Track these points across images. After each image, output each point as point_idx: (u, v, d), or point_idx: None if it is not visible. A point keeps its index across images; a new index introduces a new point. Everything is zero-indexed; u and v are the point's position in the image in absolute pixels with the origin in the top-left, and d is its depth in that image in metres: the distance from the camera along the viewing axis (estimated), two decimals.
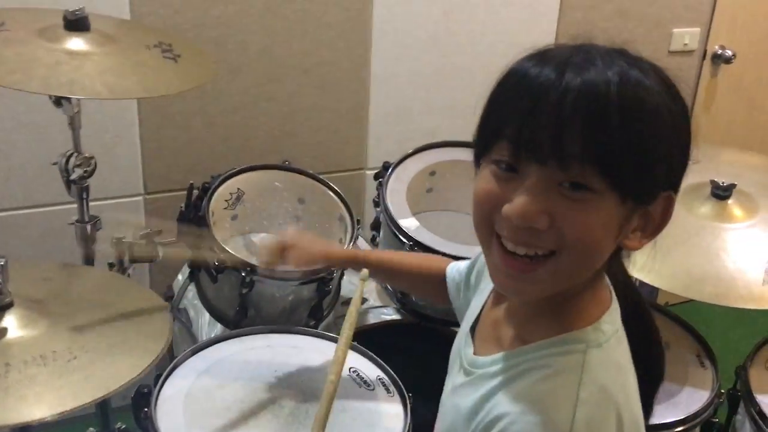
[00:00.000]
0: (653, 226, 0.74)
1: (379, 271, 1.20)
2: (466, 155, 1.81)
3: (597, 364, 0.74)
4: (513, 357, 0.78)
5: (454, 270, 1.11)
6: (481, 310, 0.91)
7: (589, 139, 0.66)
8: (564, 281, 0.74)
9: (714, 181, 1.51)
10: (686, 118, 0.73)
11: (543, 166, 0.68)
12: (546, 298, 0.76)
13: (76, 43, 1.32)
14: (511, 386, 0.75)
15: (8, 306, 1.05)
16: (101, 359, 1.01)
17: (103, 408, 1.58)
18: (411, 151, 1.70)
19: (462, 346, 0.89)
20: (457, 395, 0.84)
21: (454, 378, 0.88)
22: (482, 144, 0.74)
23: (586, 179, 0.67)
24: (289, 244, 1.20)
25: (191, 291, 1.76)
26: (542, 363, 0.75)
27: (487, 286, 0.94)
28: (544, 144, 0.67)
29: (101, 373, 0.99)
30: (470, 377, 0.83)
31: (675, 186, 0.75)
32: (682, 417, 1.38)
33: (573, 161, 0.66)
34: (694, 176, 1.54)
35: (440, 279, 1.12)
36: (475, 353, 0.85)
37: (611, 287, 0.82)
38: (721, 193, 1.50)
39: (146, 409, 1.18)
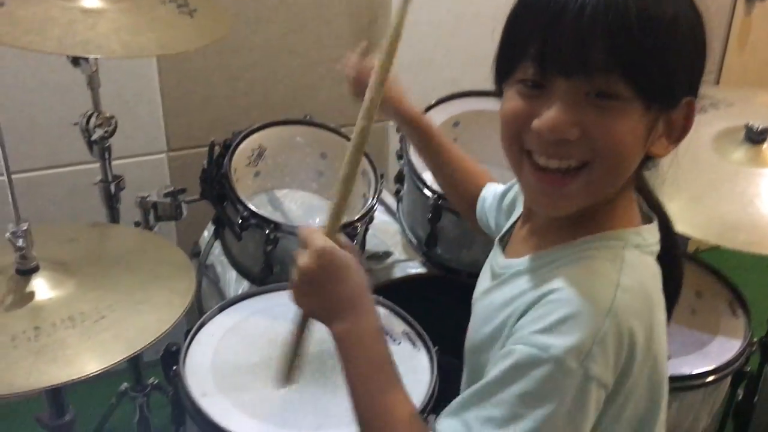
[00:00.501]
0: (677, 132, 0.76)
1: (431, 145, 1.18)
2: (491, 105, 1.76)
3: (636, 263, 0.75)
4: (548, 255, 0.79)
5: (490, 190, 1.13)
6: (512, 227, 0.93)
7: (612, 48, 0.67)
8: (597, 193, 0.75)
9: (748, 124, 1.46)
10: (702, 25, 0.74)
11: (569, 78, 0.69)
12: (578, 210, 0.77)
13: (90, 0, 1.30)
14: (549, 274, 0.75)
15: (34, 270, 1.06)
16: (129, 317, 1.02)
17: (135, 364, 1.61)
18: (434, 101, 1.66)
19: (491, 258, 0.91)
20: (489, 294, 0.86)
21: (483, 284, 0.90)
22: (505, 67, 0.75)
23: (612, 87, 0.68)
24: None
25: (217, 247, 1.77)
26: (580, 255, 0.76)
27: (519, 210, 0.95)
28: (569, 56, 0.68)
29: (129, 331, 1.00)
30: (501, 278, 0.84)
31: (695, 91, 0.76)
32: (713, 367, 1.36)
33: (598, 71, 0.68)
34: (728, 120, 1.51)
35: (476, 190, 1.14)
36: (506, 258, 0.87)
37: (650, 210, 0.83)
38: (756, 137, 1.45)
39: (175, 367, 1.19)
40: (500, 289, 0.83)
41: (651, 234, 0.80)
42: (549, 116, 0.70)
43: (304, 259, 0.81)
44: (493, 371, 0.73)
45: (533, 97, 0.72)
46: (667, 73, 0.70)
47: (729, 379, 1.43)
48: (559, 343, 0.69)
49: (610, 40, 0.67)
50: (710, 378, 1.36)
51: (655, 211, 0.84)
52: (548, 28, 0.69)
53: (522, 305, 0.76)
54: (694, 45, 0.73)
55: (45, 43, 1.19)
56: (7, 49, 1.68)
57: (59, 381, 0.88)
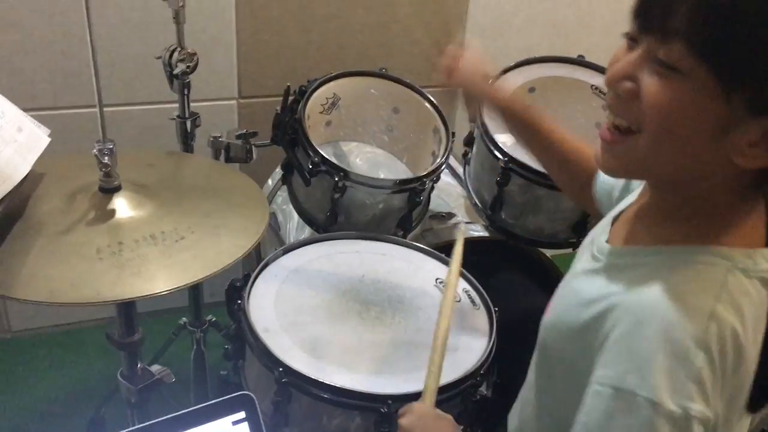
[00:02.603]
0: None
1: (531, 132, 1.12)
2: (570, 72, 1.72)
3: (739, 290, 0.69)
4: (644, 254, 0.76)
5: None
6: (628, 207, 0.89)
7: (695, 17, 0.63)
8: (642, 165, 0.72)
9: None
10: None
11: (648, 37, 0.68)
12: (683, 202, 0.74)
13: None
14: (641, 281, 0.72)
15: (117, 189, 1.09)
16: (207, 240, 1.05)
17: (195, 300, 1.64)
18: (513, 64, 1.63)
19: (597, 234, 0.88)
20: (580, 279, 0.84)
21: (581, 263, 0.87)
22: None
23: (680, 58, 0.64)
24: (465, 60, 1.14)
25: (280, 196, 1.79)
26: (679, 267, 0.72)
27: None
28: (653, 15, 0.66)
29: (208, 252, 1.02)
30: (598, 264, 0.82)
31: None
32: None
33: (673, 36, 0.64)
34: None
35: (590, 169, 1.06)
36: (608, 242, 0.84)
37: None
38: None
39: (239, 302, 1.21)
40: (590, 279, 0.80)
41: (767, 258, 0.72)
42: (613, 68, 0.70)
43: (406, 418, 0.89)
44: (586, 417, 0.70)
45: (628, 51, 0.71)
46: (760, 66, 0.62)
47: None
48: (651, 383, 0.66)
49: (696, 8, 0.63)
50: None
51: None
52: None
53: (608, 321, 0.72)
54: None
55: None
56: None
57: (144, 294, 0.91)
